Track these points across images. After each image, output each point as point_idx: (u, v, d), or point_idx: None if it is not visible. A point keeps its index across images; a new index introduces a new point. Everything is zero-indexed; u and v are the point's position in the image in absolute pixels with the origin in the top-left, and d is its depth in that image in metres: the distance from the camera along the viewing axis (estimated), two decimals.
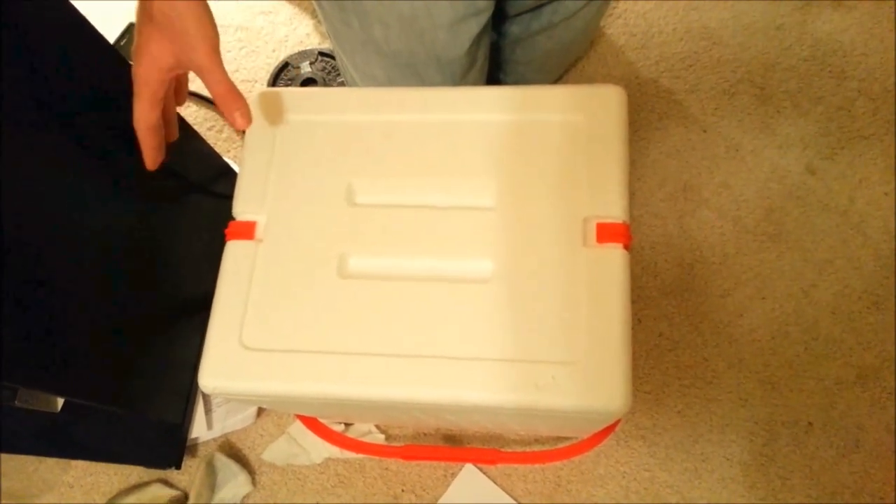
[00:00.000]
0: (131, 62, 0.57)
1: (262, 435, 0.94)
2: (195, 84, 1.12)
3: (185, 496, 0.91)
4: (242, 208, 0.61)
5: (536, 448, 0.90)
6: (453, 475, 0.89)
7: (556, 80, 1.04)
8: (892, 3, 1.05)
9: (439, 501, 0.88)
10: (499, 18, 0.83)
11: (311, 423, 0.79)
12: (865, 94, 1.01)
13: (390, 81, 0.79)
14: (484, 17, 0.73)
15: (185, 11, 0.53)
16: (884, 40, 1.03)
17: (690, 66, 1.05)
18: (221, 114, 0.60)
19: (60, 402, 0.82)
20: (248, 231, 0.59)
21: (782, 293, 0.93)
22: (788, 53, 1.04)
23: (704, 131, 1.02)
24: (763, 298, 0.93)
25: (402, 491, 0.90)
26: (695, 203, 0.98)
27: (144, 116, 0.58)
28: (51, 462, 0.95)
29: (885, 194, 0.96)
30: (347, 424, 0.91)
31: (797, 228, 0.96)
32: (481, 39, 0.76)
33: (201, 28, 0.54)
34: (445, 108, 0.60)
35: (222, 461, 0.91)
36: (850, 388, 0.89)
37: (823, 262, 0.94)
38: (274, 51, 1.13)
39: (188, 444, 0.91)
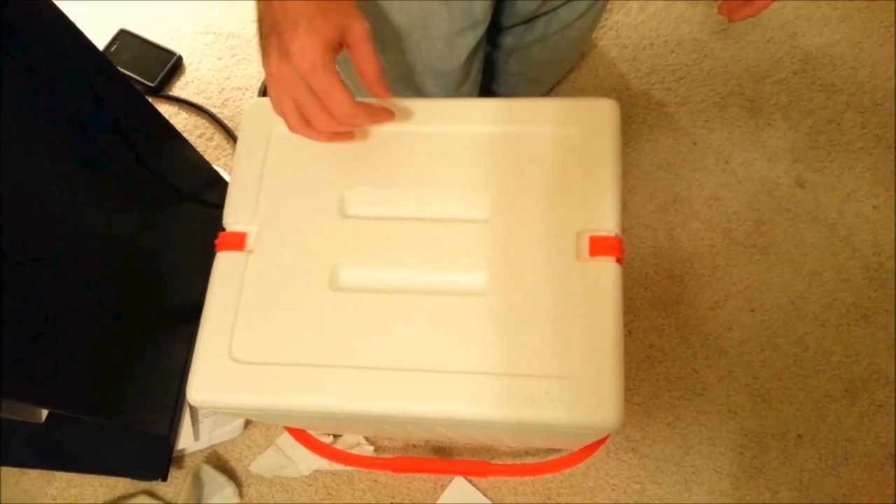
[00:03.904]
0: (278, 66, 0.51)
1: (249, 446, 0.93)
2: (185, 91, 1.13)
3: None
4: (233, 219, 0.60)
5: (527, 460, 0.89)
6: (443, 487, 0.88)
7: (548, 91, 1.04)
8: (881, 17, 1.06)
9: None
10: (493, 30, 0.83)
11: (300, 435, 0.78)
12: (854, 107, 1.02)
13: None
14: (480, 30, 0.73)
15: None
16: (872, 54, 1.04)
17: (681, 78, 1.05)
18: (367, 87, 0.55)
19: (45, 412, 0.81)
20: (238, 242, 0.59)
21: (772, 305, 0.94)
22: (779, 66, 1.05)
23: (695, 143, 1.02)
24: (752, 311, 0.94)
25: (392, 503, 0.89)
26: (685, 215, 0.99)
27: (350, 102, 0.52)
28: (34, 474, 0.94)
29: (874, 207, 0.97)
30: (336, 436, 0.90)
31: (786, 241, 0.96)
32: (477, 51, 0.76)
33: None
34: (440, 120, 0.60)
35: (209, 473, 0.90)
36: (838, 401, 0.89)
37: (812, 274, 0.95)
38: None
39: (174, 455, 0.90)
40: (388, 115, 0.59)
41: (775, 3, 1.06)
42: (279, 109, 0.55)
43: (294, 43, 0.50)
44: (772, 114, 1.03)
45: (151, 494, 0.91)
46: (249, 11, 1.14)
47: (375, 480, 0.90)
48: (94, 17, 1.15)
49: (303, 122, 0.55)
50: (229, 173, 0.77)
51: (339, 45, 0.52)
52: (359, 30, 0.52)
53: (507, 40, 0.87)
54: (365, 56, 0.53)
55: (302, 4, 0.50)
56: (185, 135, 0.93)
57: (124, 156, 0.75)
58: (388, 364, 0.53)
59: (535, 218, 0.56)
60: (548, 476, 0.88)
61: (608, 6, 1.09)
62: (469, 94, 0.83)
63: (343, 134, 0.59)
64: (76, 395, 0.70)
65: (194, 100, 1.11)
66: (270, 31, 0.51)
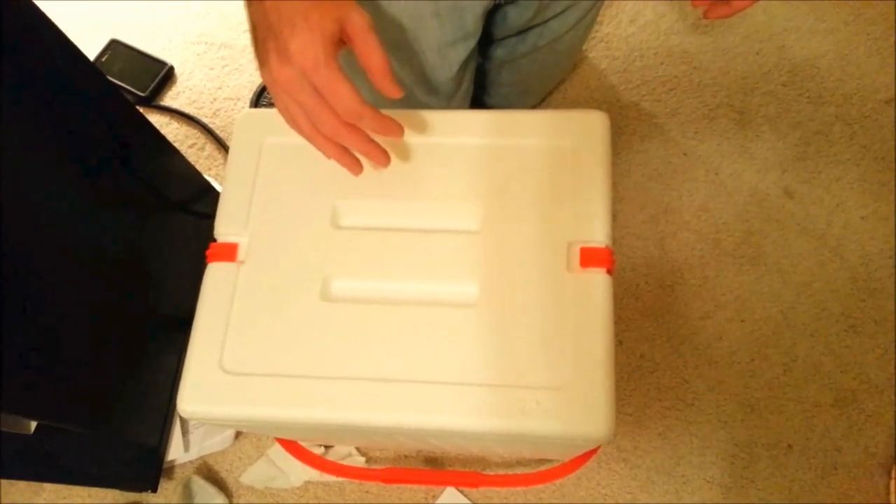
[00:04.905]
0: (275, 64, 0.49)
1: (240, 457, 0.92)
2: (177, 101, 1.12)
3: None
4: (224, 230, 0.60)
5: (518, 471, 0.89)
6: (434, 497, 0.88)
7: (540, 102, 1.04)
8: (868, 29, 1.07)
9: None
10: (485, 42, 0.84)
11: (291, 446, 0.78)
12: (842, 118, 1.03)
13: (376, 103, 0.79)
14: (472, 42, 0.73)
15: None
16: (860, 66, 1.05)
17: (671, 89, 1.06)
18: (374, 82, 0.52)
19: (33, 423, 0.80)
20: (229, 253, 0.59)
21: (761, 316, 0.94)
22: (767, 78, 1.06)
23: (685, 154, 1.03)
24: (742, 321, 0.94)
25: None
26: (675, 225, 0.99)
27: (356, 98, 0.49)
28: (22, 485, 0.93)
29: (862, 218, 0.98)
30: (327, 447, 0.89)
31: (776, 251, 0.97)
32: (469, 63, 0.76)
33: None
34: (431, 131, 0.60)
35: (199, 484, 0.90)
36: (828, 411, 0.90)
37: (801, 284, 0.95)
38: (257, 69, 1.12)
39: (165, 466, 0.89)
40: (397, 125, 0.55)
41: (763, 17, 1.08)
42: (287, 117, 0.53)
43: (293, 42, 0.48)
44: (760, 125, 1.03)
45: None
46: (241, 21, 1.15)
47: (367, 491, 0.90)
48: (85, 28, 1.15)
49: (314, 128, 0.52)
50: (221, 183, 0.77)
51: (340, 41, 0.50)
52: (359, 20, 0.49)
53: (499, 52, 0.87)
54: (368, 47, 0.50)
55: (296, 3, 0.48)
56: (176, 145, 0.93)
57: (115, 166, 0.75)
58: (380, 375, 0.53)
59: (526, 229, 0.57)
60: (539, 486, 0.88)
61: (599, 18, 1.09)
62: (461, 106, 0.83)
63: (350, 156, 0.56)
64: (66, 405, 0.70)
65: (186, 110, 1.11)
66: (266, 35, 0.50)
